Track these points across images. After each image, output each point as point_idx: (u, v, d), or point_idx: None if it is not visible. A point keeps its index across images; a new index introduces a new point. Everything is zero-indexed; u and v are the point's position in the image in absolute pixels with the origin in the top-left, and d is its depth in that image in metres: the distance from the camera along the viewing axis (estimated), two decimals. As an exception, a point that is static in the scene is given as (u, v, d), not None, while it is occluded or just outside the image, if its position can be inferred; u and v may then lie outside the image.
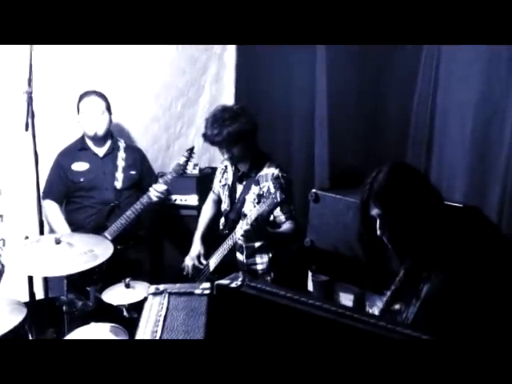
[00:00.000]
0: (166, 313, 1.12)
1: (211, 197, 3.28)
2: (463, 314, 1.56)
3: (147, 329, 1.08)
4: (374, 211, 1.73)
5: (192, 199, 3.80)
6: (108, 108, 3.27)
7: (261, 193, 2.72)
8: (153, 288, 1.21)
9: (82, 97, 3.25)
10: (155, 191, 3.13)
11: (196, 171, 3.73)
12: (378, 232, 1.73)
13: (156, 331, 1.07)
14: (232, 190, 3.01)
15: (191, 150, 3.24)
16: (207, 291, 1.16)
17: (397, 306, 1.79)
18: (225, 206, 3.05)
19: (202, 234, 3.17)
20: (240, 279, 1.08)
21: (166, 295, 1.17)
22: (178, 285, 1.23)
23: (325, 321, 1.01)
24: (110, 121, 3.32)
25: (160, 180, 3.18)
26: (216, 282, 1.09)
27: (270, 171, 2.86)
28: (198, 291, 1.17)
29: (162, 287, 1.20)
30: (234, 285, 1.07)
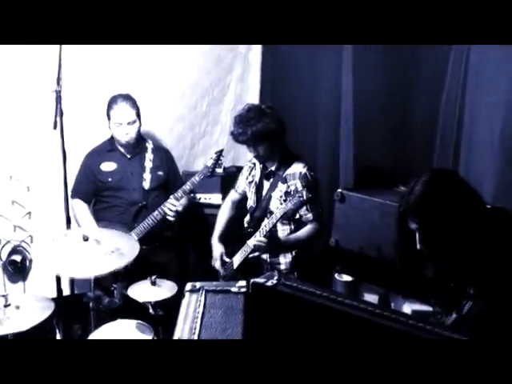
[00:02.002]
0: (204, 310, 1.13)
1: (231, 196, 3.29)
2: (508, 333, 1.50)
3: (186, 325, 1.09)
4: (413, 225, 1.66)
5: (216, 198, 3.82)
6: (138, 114, 3.26)
7: (288, 191, 2.75)
8: (189, 285, 1.22)
9: (111, 103, 3.23)
10: (169, 209, 3.17)
11: (220, 170, 3.73)
12: (418, 246, 1.65)
13: (195, 328, 1.08)
14: (259, 187, 3.02)
15: (220, 153, 3.25)
16: (243, 289, 1.16)
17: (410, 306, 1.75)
18: (251, 202, 3.06)
19: (219, 236, 3.17)
20: (275, 278, 1.08)
21: (203, 293, 1.18)
22: (214, 282, 1.24)
23: (361, 320, 1.01)
24: (140, 127, 3.32)
25: (172, 197, 3.19)
26: (252, 281, 1.09)
27: (297, 169, 2.86)
28: (234, 289, 1.18)
29: (198, 285, 1.21)
30: (269, 283, 1.08)
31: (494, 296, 1.56)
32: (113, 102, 3.23)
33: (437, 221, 1.59)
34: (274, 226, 2.75)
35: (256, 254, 2.83)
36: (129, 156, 3.35)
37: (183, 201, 3.28)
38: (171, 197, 3.17)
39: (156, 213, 3.17)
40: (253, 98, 4.18)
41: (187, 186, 3.18)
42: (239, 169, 3.79)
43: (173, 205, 3.16)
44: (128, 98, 3.25)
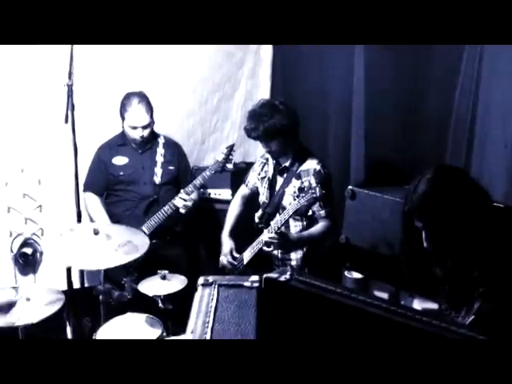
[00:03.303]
0: (217, 304, 1.13)
1: (242, 192, 3.27)
2: None
3: (199, 319, 1.09)
4: (418, 224, 1.64)
5: (226, 193, 3.83)
6: (152, 115, 3.25)
7: (302, 187, 2.74)
8: (202, 279, 1.22)
9: (126, 105, 3.21)
10: (179, 202, 3.18)
11: (230, 166, 3.73)
12: (425, 244, 1.64)
13: (208, 321, 1.08)
14: (272, 183, 3.02)
15: (231, 148, 3.25)
16: (256, 284, 1.16)
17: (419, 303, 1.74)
18: (263, 198, 3.05)
19: (229, 232, 3.16)
20: (288, 273, 1.08)
21: (216, 287, 1.18)
22: (227, 277, 1.24)
23: (375, 317, 1.00)
24: (153, 125, 3.32)
25: (182, 191, 3.19)
26: (264, 276, 1.09)
27: (311, 166, 2.86)
28: (247, 284, 1.17)
29: (211, 279, 1.21)
30: (282, 278, 1.07)
31: (504, 295, 1.55)
32: (127, 103, 3.20)
33: (442, 219, 1.57)
34: (287, 221, 2.75)
35: (267, 249, 2.82)
36: (140, 150, 3.35)
37: (193, 195, 3.28)
38: (182, 191, 3.18)
39: (167, 207, 3.17)
40: (264, 93, 4.17)
41: (198, 181, 3.19)
42: (249, 164, 3.79)
43: (183, 199, 3.17)
44: (143, 98, 3.22)
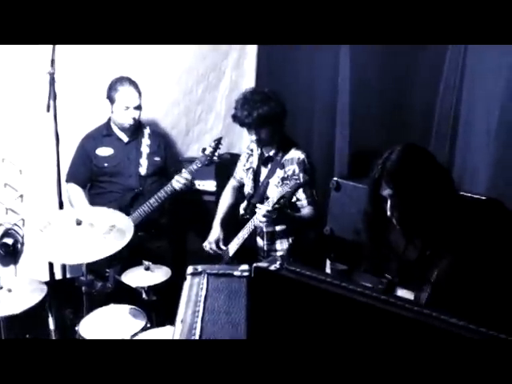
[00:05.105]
0: (207, 293, 1.13)
1: (231, 183, 3.28)
2: (473, 296, 1.56)
3: (188, 309, 1.08)
4: (386, 191, 1.72)
5: (210, 185, 3.80)
6: (140, 100, 3.23)
7: (285, 176, 2.74)
8: (191, 268, 1.21)
9: (117, 86, 3.18)
10: (179, 182, 3.13)
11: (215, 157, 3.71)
12: (388, 212, 1.72)
13: (198, 311, 1.08)
14: (256, 174, 3.01)
15: (218, 141, 3.23)
16: (246, 273, 1.16)
17: (402, 292, 1.79)
18: (248, 189, 3.05)
19: (221, 220, 3.17)
20: (278, 262, 1.08)
21: (205, 276, 1.17)
22: (216, 266, 1.24)
23: (365, 306, 1.01)
24: (141, 112, 3.29)
25: (184, 170, 3.16)
26: (254, 265, 1.09)
27: (295, 155, 2.86)
28: (236, 273, 1.17)
29: (200, 268, 1.20)
30: (272, 268, 1.07)
31: (457, 256, 1.64)
32: (119, 84, 3.18)
33: (411, 186, 1.68)
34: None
35: (261, 222, 2.73)
36: (125, 141, 3.31)
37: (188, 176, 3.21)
38: (168, 184, 3.15)
39: (152, 200, 3.14)
40: (248, 84, 4.13)
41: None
42: (233, 155, 3.78)
43: (184, 178, 3.13)
44: (132, 81, 3.22)
